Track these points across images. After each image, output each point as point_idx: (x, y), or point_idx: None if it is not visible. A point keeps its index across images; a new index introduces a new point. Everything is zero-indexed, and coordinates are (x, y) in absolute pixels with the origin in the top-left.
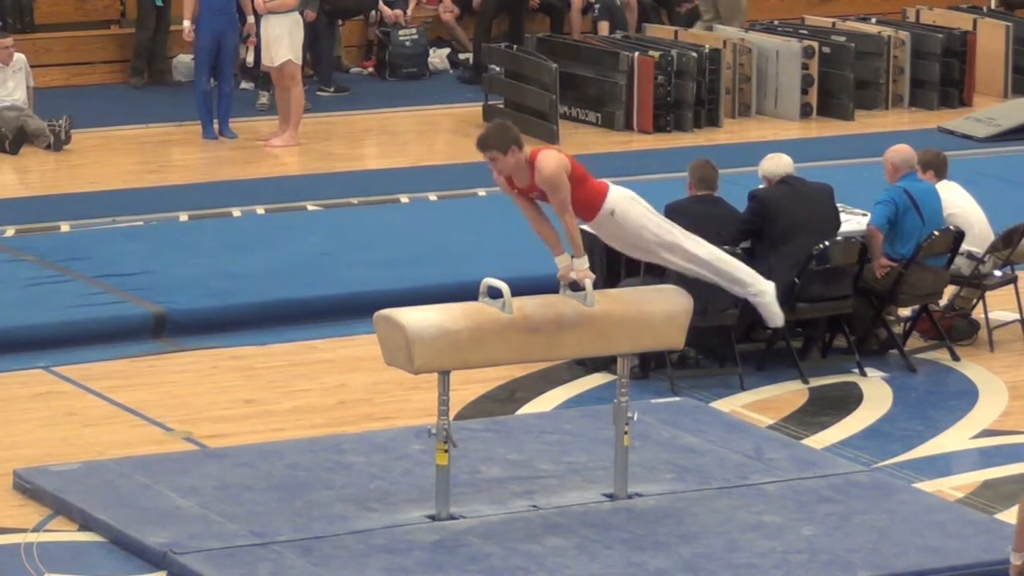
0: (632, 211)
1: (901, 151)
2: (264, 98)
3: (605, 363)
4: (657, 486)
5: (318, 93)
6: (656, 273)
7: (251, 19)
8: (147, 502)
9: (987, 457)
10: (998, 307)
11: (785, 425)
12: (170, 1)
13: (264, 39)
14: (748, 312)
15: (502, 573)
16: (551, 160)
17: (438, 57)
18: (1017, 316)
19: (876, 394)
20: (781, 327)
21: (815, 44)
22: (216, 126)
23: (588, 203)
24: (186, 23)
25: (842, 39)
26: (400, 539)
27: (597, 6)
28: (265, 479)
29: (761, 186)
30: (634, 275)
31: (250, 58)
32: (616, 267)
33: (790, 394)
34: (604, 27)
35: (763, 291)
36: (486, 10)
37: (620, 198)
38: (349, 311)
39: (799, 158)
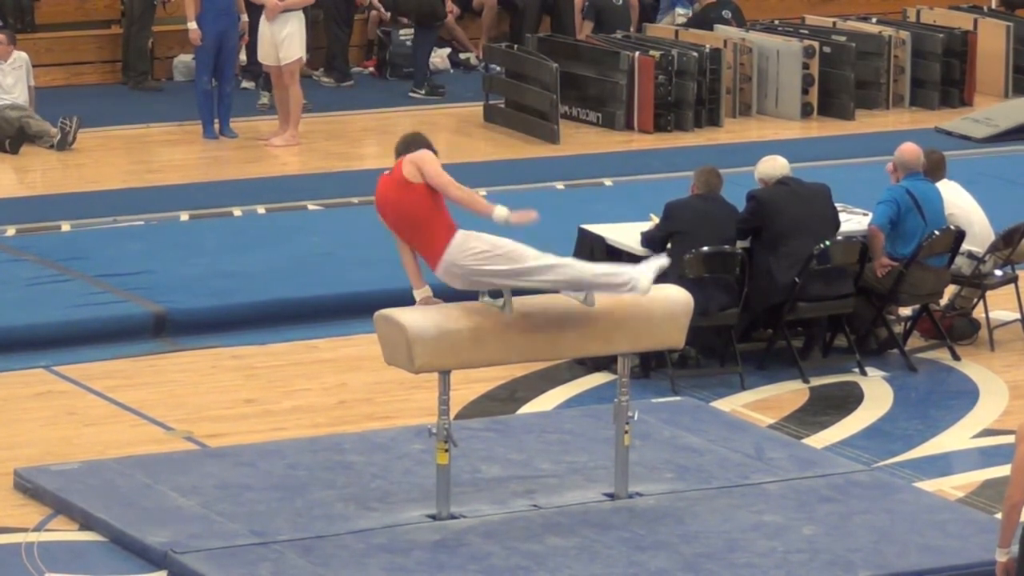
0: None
1: (903, 151)
2: (265, 98)
3: (605, 363)
4: (658, 486)
5: (411, 95)
6: None
7: (244, 17)
8: (148, 501)
9: (988, 456)
10: (998, 307)
11: (786, 425)
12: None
13: (275, 37)
14: (749, 312)
15: (503, 573)
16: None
17: (438, 57)
18: (1017, 316)
19: (877, 394)
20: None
21: (815, 44)
22: (217, 126)
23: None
24: (191, 25)
25: (843, 39)
26: (401, 538)
27: (586, 4)
28: (265, 479)
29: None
30: None
31: (243, 56)
32: None
33: (790, 394)
34: (588, 27)
35: (634, 281)
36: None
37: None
38: (349, 311)
39: (800, 158)
